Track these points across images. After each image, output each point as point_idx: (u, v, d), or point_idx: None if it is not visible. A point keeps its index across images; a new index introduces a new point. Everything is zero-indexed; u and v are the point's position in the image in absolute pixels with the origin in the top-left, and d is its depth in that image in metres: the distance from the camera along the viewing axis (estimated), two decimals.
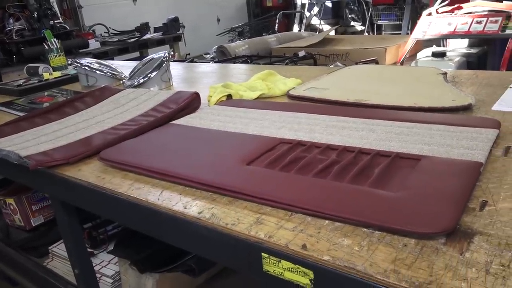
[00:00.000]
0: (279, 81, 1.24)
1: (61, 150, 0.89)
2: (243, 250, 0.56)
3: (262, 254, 0.54)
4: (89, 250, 1.28)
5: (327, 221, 0.55)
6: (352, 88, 1.12)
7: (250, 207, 0.61)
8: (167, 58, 1.44)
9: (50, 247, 1.37)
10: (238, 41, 3.08)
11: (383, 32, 5.93)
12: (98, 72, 1.55)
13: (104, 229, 1.33)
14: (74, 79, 1.69)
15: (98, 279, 1.17)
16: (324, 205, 0.56)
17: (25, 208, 1.37)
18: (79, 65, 1.54)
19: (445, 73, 1.11)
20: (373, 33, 5.94)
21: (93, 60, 1.67)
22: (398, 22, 5.59)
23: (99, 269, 1.23)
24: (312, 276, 0.50)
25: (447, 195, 0.54)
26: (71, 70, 1.82)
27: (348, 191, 0.59)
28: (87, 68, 1.54)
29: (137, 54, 4.09)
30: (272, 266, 0.53)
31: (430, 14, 2.39)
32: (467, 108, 0.88)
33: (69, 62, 1.88)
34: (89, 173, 0.80)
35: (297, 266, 0.51)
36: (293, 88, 1.17)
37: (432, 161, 0.64)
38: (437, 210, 0.52)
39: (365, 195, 0.57)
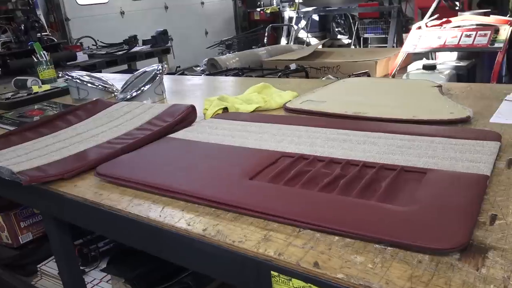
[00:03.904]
0: (275, 94, 1.23)
1: (55, 165, 0.86)
2: (251, 268, 0.54)
3: (272, 272, 0.52)
4: (80, 268, 1.24)
5: (337, 237, 0.54)
6: (349, 100, 1.12)
7: (257, 223, 0.59)
8: (160, 71, 1.43)
9: (39, 265, 1.32)
10: (228, 54, 3.09)
11: (369, 45, 6.03)
12: (89, 85, 1.52)
13: (96, 246, 1.29)
14: (64, 92, 1.66)
15: None
16: (333, 220, 0.55)
17: (13, 225, 1.33)
18: (70, 78, 1.52)
19: (440, 86, 1.12)
20: (360, 46, 6.03)
21: (84, 72, 1.65)
22: (384, 36, 5.69)
23: None
24: None
25: (457, 209, 0.54)
26: (60, 83, 1.80)
27: (356, 206, 0.58)
28: (78, 81, 1.51)
29: (125, 66, 4.07)
30: (282, 285, 0.52)
31: (419, 27, 2.43)
32: (465, 121, 0.89)
33: (60, 75, 1.86)
34: (86, 189, 0.78)
35: (309, 284, 0.49)
36: (290, 101, 1.17)
37: (438, 174, 0.64)
38: (450, 225, 0.51)
39: (374, 210, 0.56)
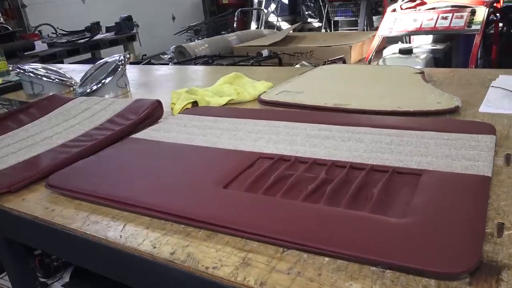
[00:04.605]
0: (248, 85, 1.14)
1: (0, 176, 0.75)
2: None
3: None
4: (42, 280, 1.13)
5: (327, 259, 0.46)
6: (328, 90, 1.04)
7: (233, 243, 0.51)
8: (122, 62, 1.31)
9: None
10: (197, 40, 2.95)
11: (339, 28, 5.97)
12: (44, 78, 1.39)
13: None
14: (18, 86, 1.52)
15: None
16: (322, 239, 0.47)
17: None
18: (22, 71, 1.38)
19: (422, 72, 1.06)
20: (330, 30, 5.97)
21: (39, 65, 1.51)
22: (354, 18, 5.64)
23: None
24: None
25: (462, 219, 0.47)
26: (13, 77, 1.65)
27: (347, 220, 0.51)
28: (31, 74, 1.38)
29: (88, 55, 3.88)
30: None
31: (394, 10, 2.37)
32: (454, 111, 0.83)
33: (11, 68, 1.70)
34: (35, 203, 0.67)
35: None
36: (264, 92, 1.08)
37: (435, 177, 0.57)
38: (456, 241, 0.44)
39: (367, 224, 0.49)
